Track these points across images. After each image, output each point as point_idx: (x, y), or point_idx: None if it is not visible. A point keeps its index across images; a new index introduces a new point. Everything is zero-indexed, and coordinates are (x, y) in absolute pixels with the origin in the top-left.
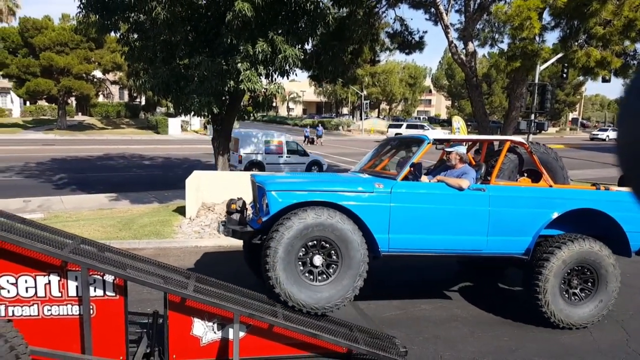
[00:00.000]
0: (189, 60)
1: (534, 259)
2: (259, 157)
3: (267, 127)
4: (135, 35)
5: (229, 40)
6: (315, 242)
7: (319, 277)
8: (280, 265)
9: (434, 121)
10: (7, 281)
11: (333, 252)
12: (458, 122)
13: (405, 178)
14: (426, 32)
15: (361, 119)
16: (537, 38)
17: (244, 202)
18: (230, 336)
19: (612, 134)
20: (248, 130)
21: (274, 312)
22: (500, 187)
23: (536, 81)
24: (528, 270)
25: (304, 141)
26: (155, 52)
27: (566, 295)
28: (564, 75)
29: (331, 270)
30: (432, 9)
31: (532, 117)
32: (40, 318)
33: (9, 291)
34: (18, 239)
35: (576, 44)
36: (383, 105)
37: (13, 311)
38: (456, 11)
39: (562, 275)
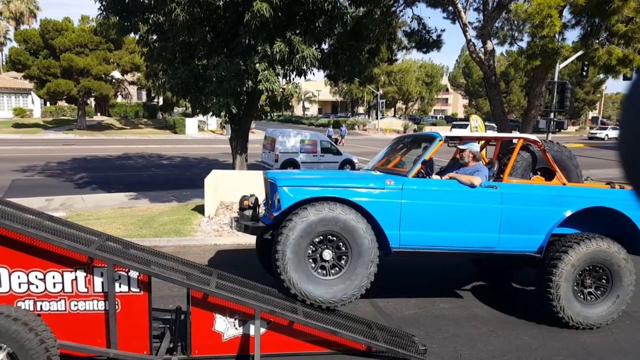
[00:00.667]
0: (208, 61)
1: (546, 259)
2: (294, 156)
3: (282, 127)
4: (155, 36)
5: (247, 41)
6: (323, 236)
7: (332, 271)
8: (291, 263)
9: (451, 120)
10: (36, 277)
11: (342, 244)
12: (476, 120)
13: (417, 175)
14: (444, 30)
15: (377, 118)
16: (557, 36)
17: (256, 199)
18: (252, 332)
19: (611, 133)
20: (283, 130)
21: (294, 309)
22: (513, 185)
23: (555, 79)
24: (540, 273)
25: None
26: (175, 52)
27: (581, 296)
28: (584, 73)
29: (343, 262)
30: (450, 8)
31: (551, 115)
32: (67, 313)
33: (37, 286)
34: (46, 236)
35: (597, 42)
36: (399, 104)
37: (41, 306)
38: (474, 9)
39: (573, 277)
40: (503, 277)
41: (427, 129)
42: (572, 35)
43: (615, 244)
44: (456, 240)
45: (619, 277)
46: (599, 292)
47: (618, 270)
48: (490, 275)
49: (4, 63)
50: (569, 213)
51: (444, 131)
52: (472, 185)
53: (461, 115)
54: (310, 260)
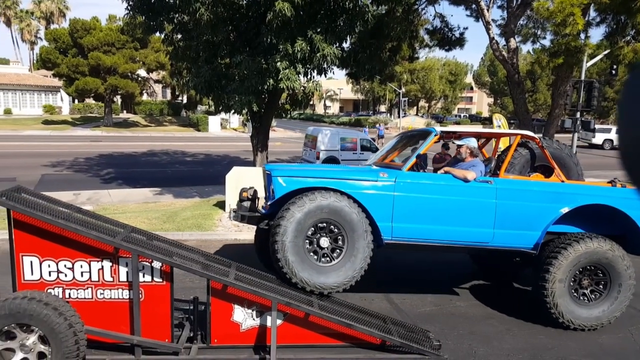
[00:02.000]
0: (230, 60)
1: (542, 257)
2: (335, 154)
3: (304, 125)
4: (179, 36)
5: (268, 40)
6: (320, 224)
7: (328, 258)
8: (289, 250)
9: (475, 119)
10: (65, 266)
11: (337, 231)
12: (499, 119)
13: (412, 169)
14: (467, 28)
15: (399, 117)
16: (581, 34)
17: (255, 191)
18: (268, 323)
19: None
20: (326, 128)
21: (310, 301)
22: (508, 180)
23: (582, 78)
24: (535, 272)
25: None
26: (198, 51)
27: (577, 297)
28: (613, 71)
29: (338, 250)
30: (474, 5)
31: (578, 115)
32: (94, 301)
33: (66, 275)
34: (75, 227)
35: (623, 40)
36: (422, 103)
37: (70, 293)
38: (498, 7)
39: (569, 277)
40: (523, 277)
41: (471, 127)
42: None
43: (613, 245)
44: (449, 234)
45: (618, 279)
46: (596, 293)
47: (616, 271)
48: (510, 274)
49: (34, 61)
50: (565, 210)
51: (440, 127)
52: (466, 180)
53: (486, 114)
54: (308, 247)
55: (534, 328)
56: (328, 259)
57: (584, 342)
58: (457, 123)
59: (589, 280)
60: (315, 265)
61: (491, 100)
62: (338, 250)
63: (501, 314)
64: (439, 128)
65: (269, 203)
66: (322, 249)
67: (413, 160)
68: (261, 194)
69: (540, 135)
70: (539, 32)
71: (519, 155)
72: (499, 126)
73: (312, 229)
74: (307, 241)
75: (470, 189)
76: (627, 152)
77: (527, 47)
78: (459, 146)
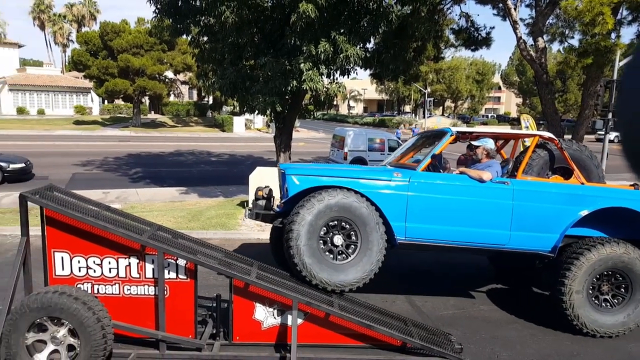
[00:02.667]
0: (255, 61)
1: (560, 261)
2: (363, 154)
3: (327, 125)
4: (205, 38)
5: (292, 41)
6: (333, 221)
7: (342, 256)
8: (303, 246)
9: (503, 119)
10: (94, 262)
11: (350, 228)
12: (527, 120)
13: (428, 169)
14: (493, 27)
15: (424, 117)
16: (611, 33)
17: (270, 190)
18: (289, 322)
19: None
20: (354, 128)
21: (330, 301)
22: (525, 182)
23: (614, 77)
24: (553, 276)
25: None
26: (224, 53)
27: (597, 302)
28: None
29: (352, 248)
30: (500, 4)
31: (609, 115)
32: (121, 296)
33: (95, 271)
34: (104, 224)
35: None
36: (448, 103)
37: (98, 289)
38: (526, 6)
39: (588, 282)
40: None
41: (490, 128)
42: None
43: (628, 247)
44: (464, 235)
45: (638, 281)
46: (618, 297)
47: (635, 273)
48: (535, 279)
49: (66, 64)
50: (585, 213)
51: (456, 127)
52: (482, 180)
53: (514, 114)
54: (323, 247)
55: (560, 334)
56: (344, 256)
57: (612, 350)
58: (485, 123)
59: (609, 285)
60: (332, 264)
61: (520, 100)
62: (353, 247)
63: (524, 318)
64: (454, 128)
65: (282, 201)
66: (337, 247)
67: (428, 160)
68: (277, 193)
69: (569, 137)
70: (566, 32)
71: (538, 157)
72: (527, 127)
73: (325, 228)
74: (321, 241)
75: (485, 190)
76: (628, 130)
77: (556, 46)
78: (476, 147)
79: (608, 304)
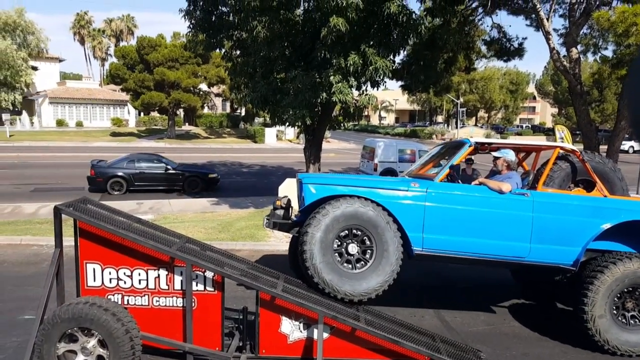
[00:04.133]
0: (285, 74)
1: (583, 276)
2: (393, 165)
3: (358, 136)
4: (238, 52)
5: (322, 54)
6: (348, 230)
7: (357, 265)
8: (317, 252)
9: (538, 130)
10: (124, 273)
11: (366, 238)
12: (562, 131)
13: (446, 180)
14: (525, 38)
15: (456, 127)
16: None
17: (289, 200)
18: (315, 336)
19: (637, 146)
20: (384, 139)
21: (357, 316)
22: (546, 194)
23: None
24: (576, 291)
25: None
26: (255, 67)
27: (621, 320)
28: None
29: (367, 255)
30: (533, 15)
31: None
32: (149, 308)
33: (125, 282)
34: (135, 237)
35: None
36: (481, 113)
37: (128, 300)
38: (560, 16)
39: (611, 298)
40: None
41: (512, 139)
42: None
43: None
44: (483, 247)
45: None
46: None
47: None
48: (561, 295)
49: (104, 77)
50: (607, 226)
51: (476, 137)
52: (501, 192)
53: (549, 124)
54: (338, 257)
55: (594, 353)
56: (362, 263)
57: None
58: (519, 134)
59: (633, 301)
60: (352, 274)
61: (555, 110)
62: (369, 252)
63: (555, 335)
64: (473, 139)
65: (299, 210)
66: (352, 255)
67: (446, 170)
68: (296, 203)
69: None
70: (600, 42)
71: (559, 169)
72: (562, 138)
73: (337, 240)
74: (337, 254)
75: (505, 201)
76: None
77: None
78: (496, 158)
79: (637, 320)
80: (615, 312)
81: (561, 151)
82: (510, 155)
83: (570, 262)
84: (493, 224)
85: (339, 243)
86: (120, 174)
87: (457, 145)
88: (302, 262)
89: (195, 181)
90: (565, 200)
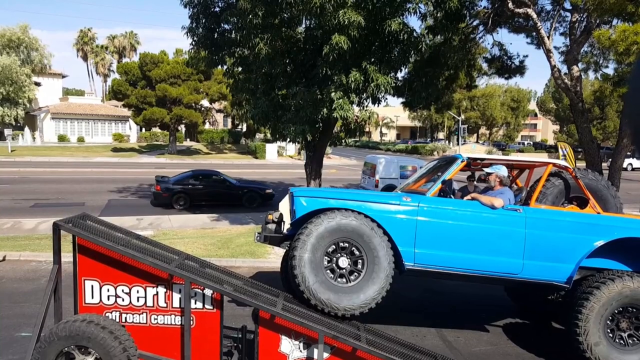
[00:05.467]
0: (287, 91)
1: (576, 295)
2: (394, 182)
3: (359, 152)
4: (240, 69)
5: (324, 71)
6: (337, 244)
7: (350, 278)
8: (309, 273)
9: (540, 147)
10: (122, 291)
11: (355, 250)
12: (565, 148)
13: (439, 195)
14: (527, 56)
15: (458, 144)
16: None
17: (281, 215)
18: (315, 356)
19: (636, 163)
20: (385, 156)
21: (358, 335)
22: (538, 210)
23: None
24: (569, 310)
25: None
26: (257, 84)
27: (616, 340)
28: None
29: (359, 269)
30: (534, 33)
31: None
32: (147, 326)
33: (123, 299)
34: (133, 253)
35: None
36: (482, 130)
37: (126, 318)
38: (560, 34)
39: (605, 318)
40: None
41: (513, 156)
42: None
43: (635, 279)
44: (475, 263)
45: None
46: (637, 337)
47: None
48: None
49: (106, 93)
50: (600, 243)
51: (467, 153)
52: (493, 207)
53: (551, 141)
54: (328, 271)
55: None
56: (355, 274)
57: None
58: (521, 151)
59: (629, 322)
60: (341, 287)
61: (557, 127)
62: (360, 262)
63: (560, 355)
64: (466, 155)
65: (290, 222)
66: (343, 269)
67: (438, 185)
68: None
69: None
70: (600, 61)
71: (552, 186)
72: (565, 155)
73: (327, 254)
74: (328, 270)
75: (497, 217)
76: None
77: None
78: (488, 174)
79: (635, 338)
80: (610, 335)
81: (554, 168)
82: (503, 171)
83: (563, 280)
84: (485, 240)
85: (329, 259)
86: (184, 189)
87: (449, 160)
88: (295, 286)
89: (253, 196)
90: (558, 217)
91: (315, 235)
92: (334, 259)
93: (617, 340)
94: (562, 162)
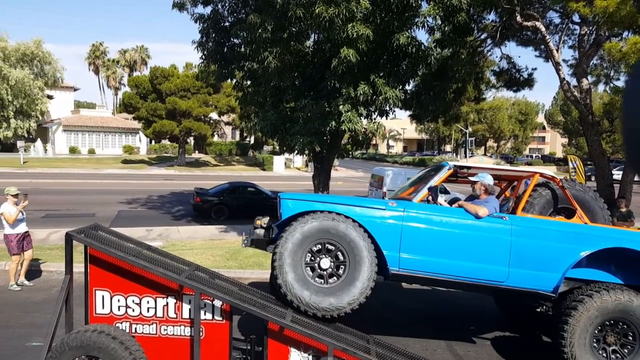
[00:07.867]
0: (295, 104)
1: (562, 307)
2: None
3: (366, 165)
4: (249, 82)
5: (332, 84)
6: (321, 244)
7: (330, 280)
8: (288, 267)
9: (548, 159)
10: (133, 301)
11: (339, 253)
12: (574, 161)
13: (424, 202)
14: (535, 69)
15: (465, 157)
16: None
17: (269, 219)
18: None
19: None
20: (392, 168)
21: (367, 348)
22: (524, 218)
23: None
24: (555, 322)
25: None
26: (266, 96)
27: (602, 354)
28: None
29: (341, 271)
30: (542, 46)
31: None
32: (157, 336)
33: (133, 310)
34: (144, 264)
35: None
36: (490, 143)
37: (136, 328)
38: (569, 47)
39: (591, 331)
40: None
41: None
42: None
43: (638, 297)
44: (460, 270)
45: None
46: (628, 347)
47: (637, 319)
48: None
49: (117, 105)
50: (586, 253)
51: (454, 161)
52: (477, 215)
53: (560, 154)
54: (308, 268)
55: None
56: (335, 278)
57: None
58: (529, 164)
59: (615, 336)
60: (325, 289)
61: (565, 140)
62: (338, 275)
63: None
64: (452, 163)
65: (275, 224)
66: (323, 269)
67: (424, 192)
68: None
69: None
70: (611, 73)
71: (539, 195)
72: (574, 168)
73: (311, 252)
74: (308, 265)
75: (482, 225)
76: (631, 143)
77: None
78: (474, 183)
79: (619, 354)
80: (600, 352)
81: (541, 178)
82: (488, 180)
83: (549, 289)
84: (470, 247)
85: (312, 258)
86: (222, 201)
87: (436, 168)
88: (275, 282)
89: None
90: (544, 225)
91: (299, 231)
92: (318, 258)
93: (600, 353)
94: (549, 173)
